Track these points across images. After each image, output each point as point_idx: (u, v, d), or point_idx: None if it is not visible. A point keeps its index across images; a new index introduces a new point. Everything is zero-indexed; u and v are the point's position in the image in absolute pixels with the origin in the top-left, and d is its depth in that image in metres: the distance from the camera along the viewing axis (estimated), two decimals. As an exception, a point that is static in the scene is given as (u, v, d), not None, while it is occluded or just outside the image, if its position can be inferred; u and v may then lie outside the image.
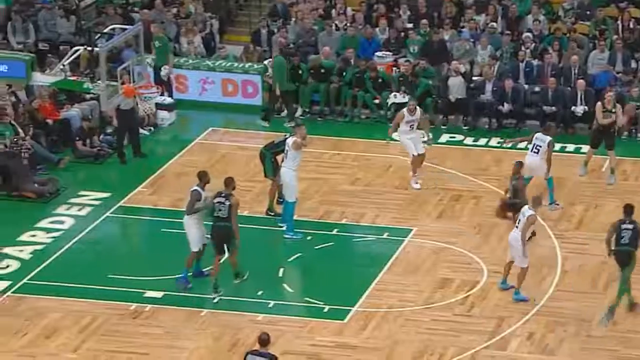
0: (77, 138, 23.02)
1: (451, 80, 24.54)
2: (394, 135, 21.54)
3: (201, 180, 17.95)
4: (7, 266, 18.87)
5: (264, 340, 14.13)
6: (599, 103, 21.76)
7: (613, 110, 21.52)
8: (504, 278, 18.03)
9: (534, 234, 18.64)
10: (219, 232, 17.79)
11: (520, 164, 20.31)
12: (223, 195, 17.78)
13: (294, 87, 24.87)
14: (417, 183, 21.36)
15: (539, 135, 20.41)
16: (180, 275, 18.09)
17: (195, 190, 17.89)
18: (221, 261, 18.02)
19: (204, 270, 18.33)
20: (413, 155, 21.38)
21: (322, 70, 25.15)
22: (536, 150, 20.28)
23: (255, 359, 13.99)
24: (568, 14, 26.75)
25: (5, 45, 25.88)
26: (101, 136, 23.43)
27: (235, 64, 25.73)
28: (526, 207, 17.73)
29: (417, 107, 21.46)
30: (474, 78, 25.06)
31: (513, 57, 25.31)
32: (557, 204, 20.66)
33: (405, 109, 21.48)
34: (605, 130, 21.58)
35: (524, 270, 17.65)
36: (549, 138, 20.14)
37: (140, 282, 18.25)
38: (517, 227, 17.69)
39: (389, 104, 24.67)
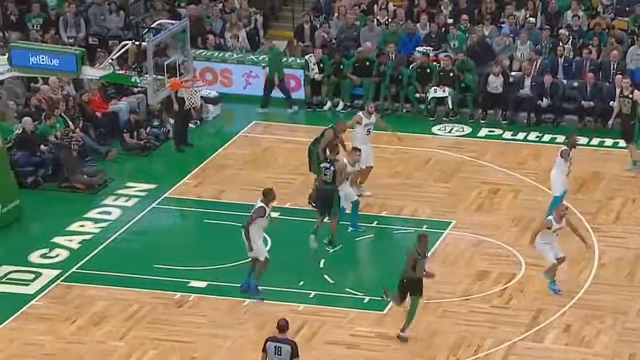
0: (125, 131, 23.14)
1: (491, 77, 24.37)
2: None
3: (266, 196, 17.46)
4: (57, 255, 19.03)
5: (283, 326, 14.15)
6: (618, 89, 21.70)
7: (630, 96, 21.30)
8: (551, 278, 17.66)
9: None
10: (323, 195, 18.59)
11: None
12: (328, 161, 18.76)
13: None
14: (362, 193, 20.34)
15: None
16: (248, 285, 17.60)
17: (262, 207, 17.38)
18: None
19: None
20: (367, 166, 20.41)
21: (367, 63, 25.08)
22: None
23: (275, 345, 13.97)
24: (607, 9, 26.48)
25: (57, 39, 26.04)
26: (148, 129, 23.54)
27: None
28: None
29: (375, 110, 20.71)
30: (512, 73, 24.90)
31: (552, 53, 25.11)
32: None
33: (361, 112, 20.58)
34: (625, 119, 21.34)
35: (553, 266, 17.46)
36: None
37: (185, 272, 18.32)
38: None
39: (429, 98, 24.57)
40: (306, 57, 25.44)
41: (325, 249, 18.83)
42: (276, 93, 25.16)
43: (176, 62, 19.44)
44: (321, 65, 25.26)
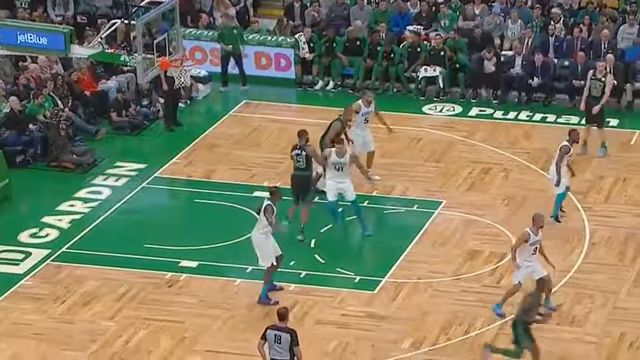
0: (112, 110, 23.02)
1: (485, 62, 24.24)
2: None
3: (273, 195, 17.13)
4: (47, 235, 18.93)
5: (282, 314, 14.03)
6: (590, 71, 21.46)
7: (602, 79, 21.15)
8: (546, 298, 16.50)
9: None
10: (297, 182, 18.52)
11: None
12: (298, 147, 18.48)
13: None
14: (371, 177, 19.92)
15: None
16: (261, 295, 17.07)
17: (269, 205, 17.02)
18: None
19: (276, 284, 17.29)
20: (369, 152, 20.19)
21: (358, 42, 24.97)
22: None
23: (275, 334, 13.90)
24: (599, -12, 26.41)
25: (45, 18, 25.85)
26: (137, 107, 23.41)
27: (269, 38, 25.61)
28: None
29: (374, 100, 20.18)
30: (503, 52, 24.81)
31: (543, 31, 25.03)
32: (559, 221, 18.96)
33: (360, 101, 20.23)
34: (593, 102, 21.20)
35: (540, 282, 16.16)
36: (564, 142, 18.14)
37: (175, 252, 18.25)
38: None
39: (420, 77, 24.49)
40: (296, 36, 25.32)
41: (298, 238, 18.49)
42: (270, 72, 25.04)
43: (166, 41, 19.29)
44: (311, 44, 25.15)
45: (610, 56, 23.65)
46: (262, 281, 17.16)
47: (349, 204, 18.77)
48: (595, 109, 21.29)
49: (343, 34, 25.38)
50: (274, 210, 17.00)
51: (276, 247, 17.10)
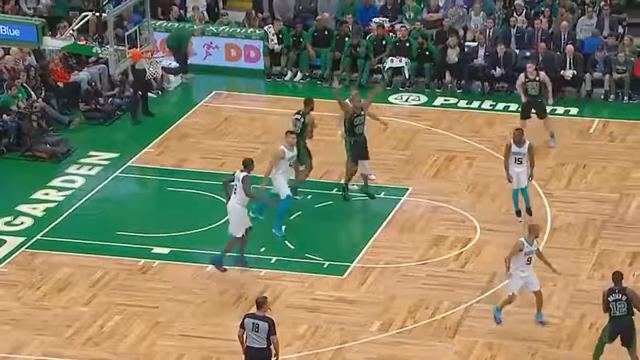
0: (80, 100, 22.93)
1: (449, 50, 24.38)
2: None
3: (247, 167, 17.17)
4: (22, 223, 18.86)
5: (261, 302, 14.01)
6: (521, 75, 21.52)
7: (537, 79, 21.26)
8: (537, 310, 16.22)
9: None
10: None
11: None
12: (300, 112, 19.09)
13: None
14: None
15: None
16: (218, 257, 17.22)
17: (246, 176, 17.07)
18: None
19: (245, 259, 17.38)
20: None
21: (326, 33, 25.00)
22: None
23: (253, 322, 13.93)
24: (558, -19, 26.57)
25: (17, 10, 25.68)
26: (109, 99, 23.33)
27: (238, 30, 25.60)
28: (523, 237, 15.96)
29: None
30: (467, 43, 24.94)
31: (505, 23, 25.18)
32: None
33: (348, 100, 19.53)
34: (533, 101, 21.29)
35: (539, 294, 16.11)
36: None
37: (148, 239, 18.24)
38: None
39: (386, 68, 24.58)
40: (265, 28, 25.32)
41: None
42: (239, 64, 25.02)
43: (136, 33, 19.26)
44: (280, 36, 25.16)
45: (570, 47, 23.85)
46: (234, 267, 17.20)
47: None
48: (550, 101, 21.45)
49: (311, 26, 25.40)
50: (250, 182, 17.01)
51: (247, 220, 17.20)
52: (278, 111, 23.27)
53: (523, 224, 18.26)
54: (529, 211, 18.81)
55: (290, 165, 18.46)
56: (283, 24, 25.28)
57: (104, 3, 19.71)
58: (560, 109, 23.35)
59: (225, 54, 25.29)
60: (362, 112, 19.36)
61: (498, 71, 24.22)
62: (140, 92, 22.73)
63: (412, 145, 21.71)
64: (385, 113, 22.75)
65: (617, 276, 14.95)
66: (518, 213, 18.74)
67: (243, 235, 17.17)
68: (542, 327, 16.04)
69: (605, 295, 14.84)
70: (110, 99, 23.30)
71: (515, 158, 18.49)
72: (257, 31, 25.44)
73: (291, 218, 18.95)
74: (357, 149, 19.29)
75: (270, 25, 25.29)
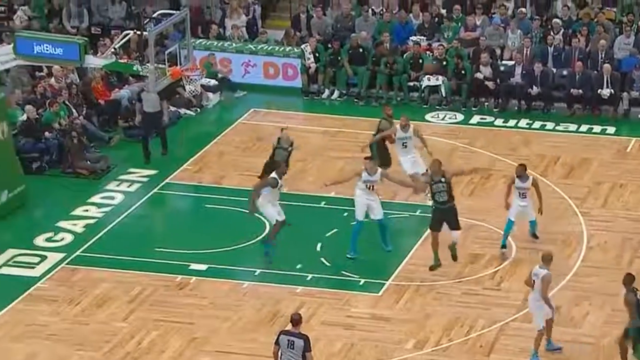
0: (119, 117, 23.05)
1: (481, 67, 24.31)
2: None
3: (276, 170, 17.87)
4: (62, 239, 18.99)
5: (296, 320, 13.95)
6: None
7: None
8: (548, 338, 15.85)
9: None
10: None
11: None
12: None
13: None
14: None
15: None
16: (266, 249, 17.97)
17: (275, 178, 17.71)
18: None
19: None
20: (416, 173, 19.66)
21: (362, 51, 25.00)
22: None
23: (288, 339, 13.88)
24: (596, 0, 26.45)
25: (61, 29, 25.93)
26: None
27: (277, 48, 25.68)
28: (537, 266, 15.56)
29: (411, 124, 19.71)
30: (504, 62, 24.85)
31: (542, 42, 25.06)
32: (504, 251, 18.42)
33: (397, 125, 19.80)
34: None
35: (541, 333, 15.62)
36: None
37: (186, 256, 18.29)
38: (533, 288, 15.56)
39: (423, 86, 24.54)
40: (302, 46, 25.37)
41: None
42: (277, 82, 25.02)
43: (177, 51, 19.37)
44: (317, 54, 25.18)
45: (607, 66, 23.68)
46: (270, 284, 17.24)
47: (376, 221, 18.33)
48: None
49: (347, 44, 25.43)
50: (277, 182, 17.69)
51: (279, 212, 17.84)
52: (315, 129, 23.31)
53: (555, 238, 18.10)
54: (534, 236, 18.61)
55: (367, 187, 18.17)
56: (319, 42, 25.31)
57: (145, 22, 19.86)
58: (597, 128, 23.19)
59: (263, 71, 25.39)
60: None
61: (535, 90, 24.10)
62: (155, 132, 21.97)
63: (449, 163, 21.56)
64: (423, 131, 22.59)
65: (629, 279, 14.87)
66: (503, 246, 18.38)
67: (277, 220, 17.74)
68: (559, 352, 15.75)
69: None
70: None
71: (520, 192, 18.33)
72: (295, 49, 25.52)
73: (327, 235, 18.92)
74: None
75: (307, 43, 25.33)
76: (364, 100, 24.77)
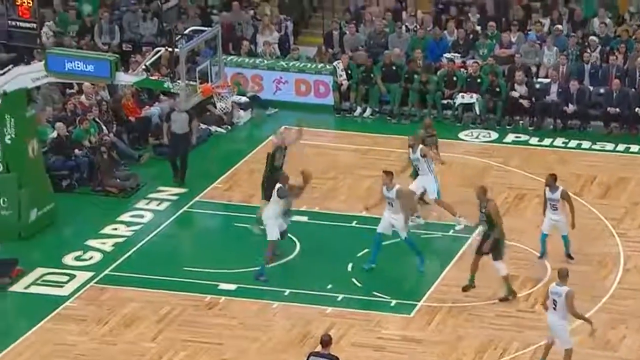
0: (150, 134, 23.16)
1: (516, 86, 24.27)
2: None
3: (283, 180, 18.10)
4: (91, 257, 19.10)
5: (326, 341, 13.96)
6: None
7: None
8: None
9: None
10: None
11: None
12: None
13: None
14: (461, 222, 19.67)
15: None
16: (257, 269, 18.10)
17: (282, 187, 18.03)
18: None
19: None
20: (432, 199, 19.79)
21: (394, 67, 25.03)
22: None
23: None
24: (634, 17, 26.32)
25: (92, 46, 26.12)
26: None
27: (309, 65, 25.76)
28: (554, 284, 15.35)
29: (419, 144, 19.52)
30: (539, 79, 24.77)
31: (578, 59, 24.97)
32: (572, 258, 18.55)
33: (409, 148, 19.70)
34: None
35: (570, 352, 15.50)
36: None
37: (215, 275, 18.34)
38: (554, 308, 15.28)
39: (456, 104, 24.51)
40: (334, 63, 25.42)
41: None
42: (309, 99, 25.07)
43: (208, 68, 19.42)
44: (349, 71, 25.22)
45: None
46: (300, 304, 17.23)
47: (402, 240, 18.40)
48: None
49: (380, 61, 25.46)
50: (285, 192, 18.01)
51: (282, 224, 18.06)
52: (346, 146, 23.34)
53: (537, 265, 18.05)
54: (569, 256, 18.52)
55: (388, 203, 18.22)
56: (351, 59, 25.35)
57: (177, 38, 19.94)
58: (634, 147, 23.06)
59: (295, 89, 25.47)
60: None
61: (571, 108, 24.01)
62: (177, 155, 21.84)
63: (482, 182, 21.46)
64: (456, 150, 22.66)
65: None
66: (542, 255, 18.41)
67: (278, 238, 17.92)
68: None
69: None
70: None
71: (550, 204, 18.29)
72: (327, 66, 25.57)
73: (358, 255, 18.91)
74: None
75: (339, 60, 25.37)
76: (396, 118, 24.79)
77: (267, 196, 18.87)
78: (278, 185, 18.18)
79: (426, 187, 19.69)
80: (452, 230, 19.68)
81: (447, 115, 24.66)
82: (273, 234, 18.03)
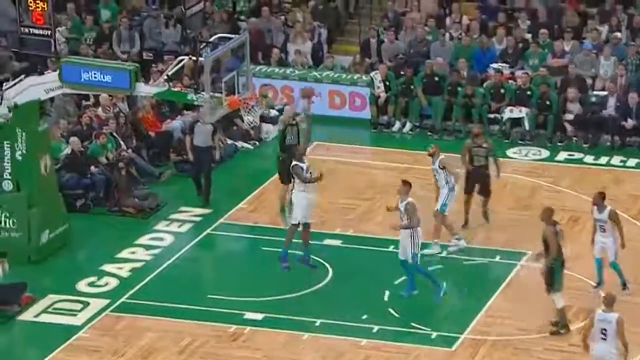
0: (171, 150, 23.23)
1: (568, 104, 24.19)
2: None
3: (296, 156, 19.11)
4: (106, 284, 19.16)
5: None
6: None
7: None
8: None
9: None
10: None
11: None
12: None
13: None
14: (458, 239, 19.87)
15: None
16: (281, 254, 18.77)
17: (295, 164, 18.65)
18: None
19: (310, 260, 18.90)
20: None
21: (436, 78, 24.98)
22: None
23: None
24: (700, 24, 26.18)
25: (111, 54, 26.27)
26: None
27: (343, 75, 25.78)
28: (599, 311, 15.15)
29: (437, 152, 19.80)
30: (595, 92, 24.62)
31: (638, 70, 24.81)
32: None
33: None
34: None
35: None
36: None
37: (240, 303, 18.33)
38: (603, 338, 15.06)
39: (504, 119, 24.41)
40: (371, 74, 25.40)
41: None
42: (344, 112, 25.09)
43: (235, 78, 19.44)
44: (387, 82, 25.20)
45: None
46: (332, 335, 17.13)
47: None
48: None
49: (421, 71, 25.42)
50: (302, 168, 18.51)
51: (306, 213, 18.52)
52: (383, 164, 23.29)
53: (592, 295, 17.96)
54: (624, 285, 18.37)
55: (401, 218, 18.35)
56: (389, 69, 25.33)
57: (201, 46, 19.96)
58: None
59: (328, 101, 25.52)
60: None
61: (630, 123, 23.86)
62: (201, 170, 21.94)
63: (532, 204, 21.45)
64: (504, 168, 22.50)
65: None
66: (599, 283, 18.32)
67: (296, 224, 18.62)
68: None
69: None
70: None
71: (598, 225, 18.21)
72: (364, 77, 25.56)
73: (396, 283, 18.85)
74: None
75: (377, 71, 25.36)
76: (438, 134, 24.74)
77: (284, 180, 19.84)
78: (293, 162, 18.67)
79: (438, 199, 19.78)
80: (498, 257, 19.58)
81: (494, 130, 24.57)
82: (295, 216, 18.71)
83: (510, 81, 24.98)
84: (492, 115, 24.67)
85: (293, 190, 19.17)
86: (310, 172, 19.09)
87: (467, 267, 19.45)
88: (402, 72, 25.25)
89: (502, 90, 24.65)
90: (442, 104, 24.81)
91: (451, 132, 24.74)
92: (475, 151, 20.37)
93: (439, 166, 19.71)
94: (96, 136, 22.29)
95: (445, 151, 22.14)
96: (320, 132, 24.85)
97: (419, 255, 18.18)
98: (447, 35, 26.49)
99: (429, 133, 24.85)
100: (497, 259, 19.59)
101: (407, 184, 18.35)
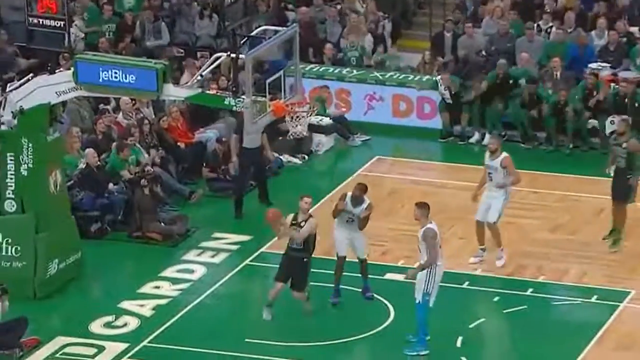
0: (205, 165, 23.38)
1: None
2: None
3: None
4: (125, 324, 19.36)
5: None
6: None
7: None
8: None
9: None
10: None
11: None
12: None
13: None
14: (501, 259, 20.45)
15: None
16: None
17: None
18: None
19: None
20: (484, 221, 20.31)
21: (511, 82, 24.99)
22: None
23: None
24: None
25: (134, 50, 26.43)
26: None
27: (411, 77, 25.87)
28: None
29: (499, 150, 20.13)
30: None
31: None
32: None
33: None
34: None
35: None
36: None
37: (283, 350, 18.43)
38: None
39: (607, 131, 24.35)
40: (436, 77, 25.33)
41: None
42: (410, 121, 25.20)
43: (281, 80, 19.56)
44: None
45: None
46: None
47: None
48: None
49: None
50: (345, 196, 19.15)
51: (342, 246, 19.34)
52: (457, 183, 23.31)
53: None
54: None
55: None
56: (452, 75, 25.27)
57: (242, 42, 20.11)
58: None
59: (392, 107, 25.62)
60: None
61: None
62: (248, 175, 22.51)
63: (636, 234, 21.39)
64: (603, 190, 22.42)
65: None
66: None
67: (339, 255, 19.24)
68: None
69: None
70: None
71: None
72: (434, 78, 25.59)
73: (471, 326, 18.88)
74: None
75: (441, 76, 25.31)
76: (530, 143, 24.71)
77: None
78: (349, 194, 19.17)
79: (491, 205, 19.92)
80: (595, 296, 19.56)
81: (594, 144, 24.47)
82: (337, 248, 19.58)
83: (612, 84, 24.91)
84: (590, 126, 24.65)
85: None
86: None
87: (558, 308, 19.44)
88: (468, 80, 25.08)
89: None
90: (524, 112, 24.68)
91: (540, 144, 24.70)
92: None
93: (501, 165, 19.87)
94: (119, 149, 22.41)
95: (533, 171, 22.27)
96: (381, 145, 25.01)
97: (432, 296, 18.01)
98: (535, 28, 26.43)
99: (522, 144, 24.69)
100: (594, 299, 19.57)
101: (423, 206, 18.21)
